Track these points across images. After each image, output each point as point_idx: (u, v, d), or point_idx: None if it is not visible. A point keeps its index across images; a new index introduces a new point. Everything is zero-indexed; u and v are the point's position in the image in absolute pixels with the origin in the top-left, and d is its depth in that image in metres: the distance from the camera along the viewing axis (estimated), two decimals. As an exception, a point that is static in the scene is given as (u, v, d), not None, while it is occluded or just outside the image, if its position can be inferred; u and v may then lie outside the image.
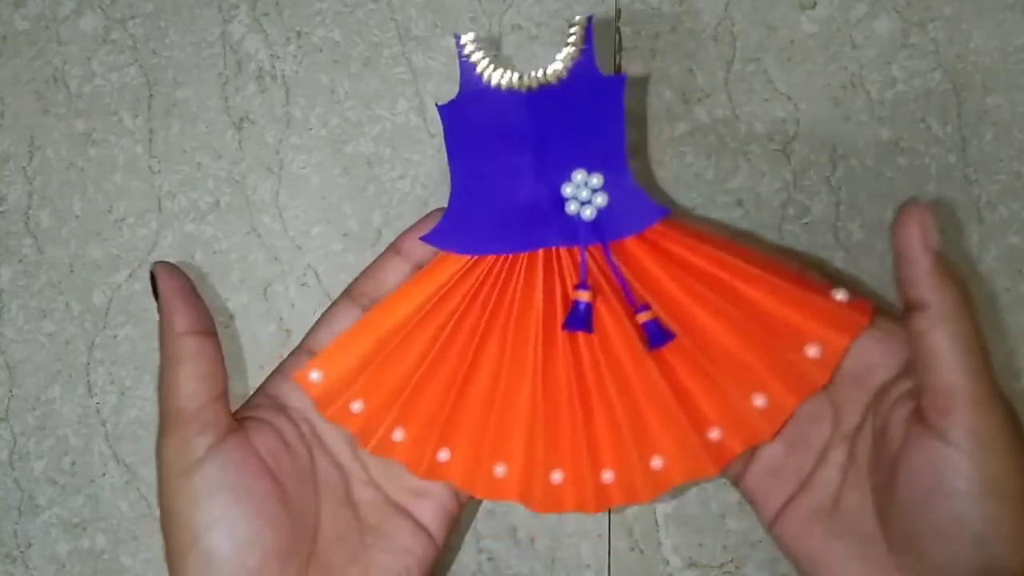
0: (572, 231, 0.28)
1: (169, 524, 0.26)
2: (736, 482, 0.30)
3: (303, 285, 0.37)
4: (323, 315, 0.30)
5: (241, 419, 0.28)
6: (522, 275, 0.28)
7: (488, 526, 0.36)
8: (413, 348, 0.28)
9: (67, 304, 0.38)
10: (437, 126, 0.30)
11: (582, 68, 0.27)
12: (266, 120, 0.37)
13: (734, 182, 0.36)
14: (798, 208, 0.36)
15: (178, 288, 0.27)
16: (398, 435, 0.29)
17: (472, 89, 0.27)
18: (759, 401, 0.27)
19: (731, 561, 0.36)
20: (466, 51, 0.27)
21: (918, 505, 0.25)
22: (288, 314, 0.37)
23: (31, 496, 0.38)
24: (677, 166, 0.36)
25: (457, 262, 0.28)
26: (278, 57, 0.37)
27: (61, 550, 0.38)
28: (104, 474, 0.38)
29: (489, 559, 0.36)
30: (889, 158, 0.35)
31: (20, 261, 0.38)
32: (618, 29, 0.36)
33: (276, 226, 0.37)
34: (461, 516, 0.31)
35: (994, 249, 0.35)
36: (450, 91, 0.28)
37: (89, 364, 0.38)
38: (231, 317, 0.37)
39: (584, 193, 0.27)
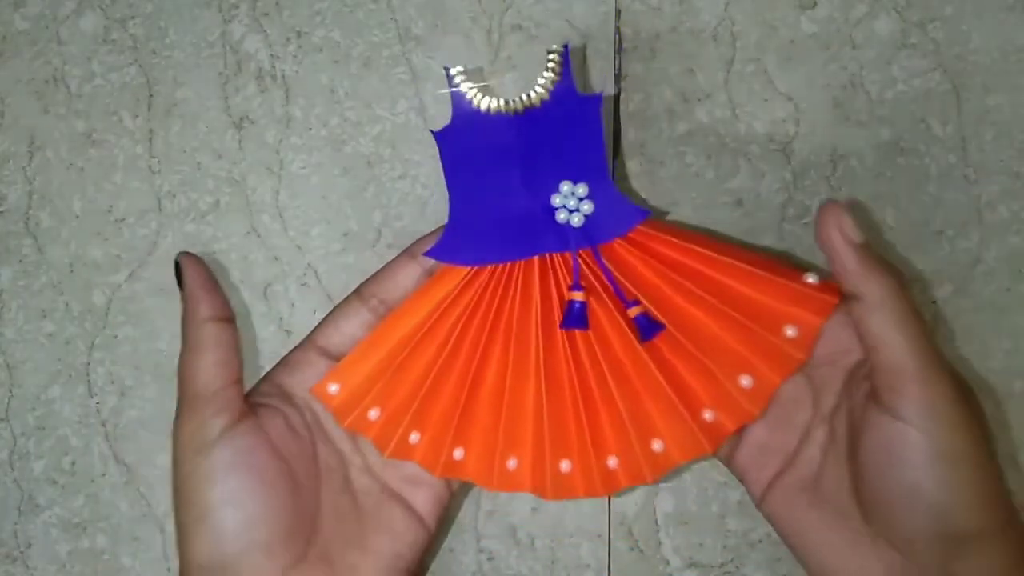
0: (563, 237, 0.30)
1: (181, 501, 0.28)
2: (727, 462, 0.31)
3: (303, 285, 0.37)
4: (331, 313, 0.31)
5: (252, 404, 0.29)
6: (520, 281, 0.31)
7: (488, 526, 0.36)
8: (423, 356, 0.31)
9: (67, 304, 0.38)
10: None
11: (562, 90, 0.29)
12: (266, 120, 0.37)
13: (734, 182, 0.36)
14: (798, 208, 0.36)
15: (201, 277, 0.29)
16: (414, 438, 0.31)
17: (464, 115, 0.30)
18: (745, 381, 0.30)
19: (731, 561, 0.36)
20: (456, 81, 0.30)
21: (878, 478, 0.27)
22: (288, 314, 0.37)
23: (31, 496, 0.38)
24: (677, 166, 0.36)
25: (459, 273, 0.30)
26: (278, 57, 0.37)
27: (61, 550, 0.38)
28: (104, 474, 0.38)
29: (489, 559, 0.36)
30: (889, 158, 0.35)
31: (20, 261, 0.38)
32: (618, 29, 0.36)
33: (276, 226, 0.37)
34: (452, 504, 0.33)
35: (994, 249, 0.35)
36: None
37: (89, 364, 0.38)
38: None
39: (571, 202, 0.30)
